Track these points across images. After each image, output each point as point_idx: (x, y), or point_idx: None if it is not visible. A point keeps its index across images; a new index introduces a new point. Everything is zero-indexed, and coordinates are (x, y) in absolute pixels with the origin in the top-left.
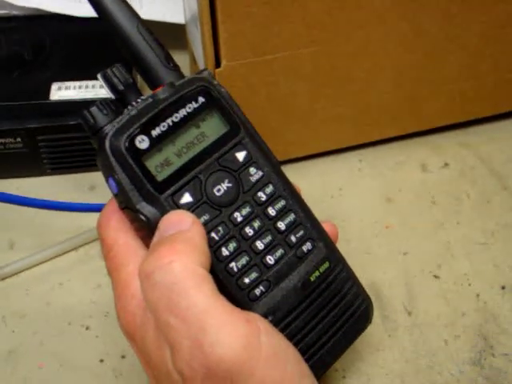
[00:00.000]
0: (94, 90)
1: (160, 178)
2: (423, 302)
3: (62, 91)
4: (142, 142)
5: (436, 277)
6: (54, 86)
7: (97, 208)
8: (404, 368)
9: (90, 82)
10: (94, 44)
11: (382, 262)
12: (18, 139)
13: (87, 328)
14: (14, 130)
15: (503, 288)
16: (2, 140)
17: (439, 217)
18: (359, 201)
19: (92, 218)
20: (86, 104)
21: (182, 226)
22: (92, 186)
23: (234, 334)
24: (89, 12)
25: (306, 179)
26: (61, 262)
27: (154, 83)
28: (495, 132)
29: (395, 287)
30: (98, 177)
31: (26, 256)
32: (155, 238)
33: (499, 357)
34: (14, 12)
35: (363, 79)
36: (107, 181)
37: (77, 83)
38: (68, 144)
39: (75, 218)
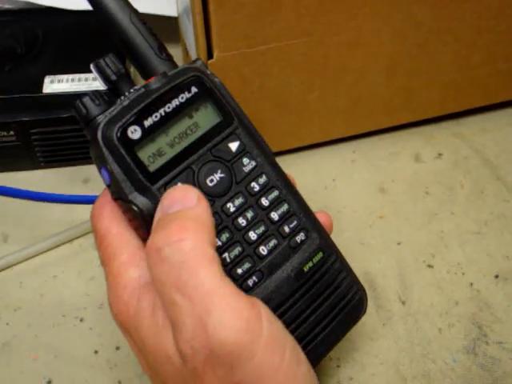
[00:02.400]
0: (87, 82)
1: (152, 168)
2: (417, 291)
3: (55, 84)
4: (135, 133)
5: (430, 266)
6: (47, 79)
7: (90, 200)
8: (398, 357)
9: (83, 75)
10: (87, 37)
11: (376, 251)
12: (11, 132)
13: (81, 320)
14: (7, 124)
15: (496, 277)
16: None
17: (433, 207)
18: (353, 191)
19: (86, 211)
20: (79, 97)
21: (188, 203)
22: (86, 179)
23: (237, 317)
24: (81, 5)
25: (300, 170)
26: (55, 255)
27: (146, 73)
28: (488, 122)
29: (389, 277)
30: (91, 170)
31: (20, 249)
32: (159, 213)
33: (493, 345)
34: (6, 5)
35: (356, 70)
36: (100, 171)
37: (69, 76)
38: (61, 137)
39: (69, 211)
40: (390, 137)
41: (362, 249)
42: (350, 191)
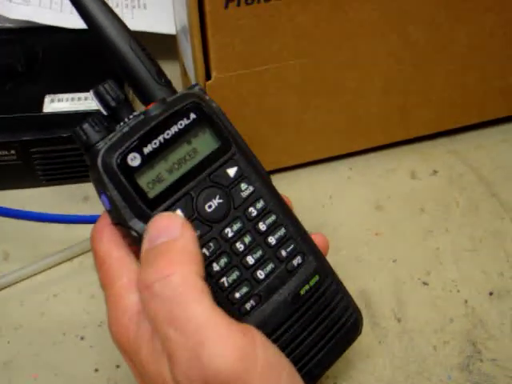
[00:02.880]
0: (87, 101)
1: (152, 194)
2: (412, 308)
3: (55, 103)
4: (134, 160)
5: (425, 283)
6: (47, 99)
7: (90, 219)
8: (394, 374)
9: (83, 94)
10: (87, 56)
11: (372, 269)
12: (12, 151)
13: (82, 338)
14: (8, 143)
15: (491, 294)
16: None
17: (428, 224)
18: (349, 209)
19: (86, 229)
20: (80, 116)
21: (173, 232)
22: (85, 196)
23: (231, 346)
24: (81, 24)
25: (296, 188)
26: (55, 273)
27: (145, 99)
28: (483, 139)
29: (385, 294)
30: (91, 188)
31: (21, 267)
32: (146, 244)
33: (487, 362)
34: (7, 24)
35: (352, 90)
36: (100, 196)
37: (70, 95)
38: (61, 156)
39: (69, 229)
40: (385, 154)
41: (358, 266)
42: (347, 208)
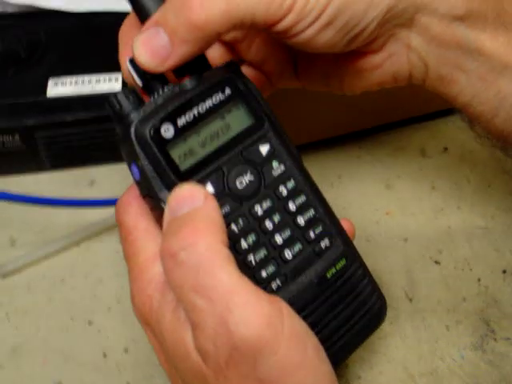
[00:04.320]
0: (91, 84)
1: (183, 167)
2: (424, 288)
3: (59, 87)
4: (168, 131)
5: (437, 262)
6: (51, 82)
7: (96, 203)
8: (406, 354)
9: (87, 77)
10: (89, 39)
11: (383, 248)
12: (17, 137)
13: (90, 323)
14: (12, 128)
15: (504, 272)
16: (1, 138)
17: (439, 202)
18: (359, 188)
19: (93, 213)
20: (84, 99)
21: (196, 202)
22: (91, 181)
23: (258, 313)
24: (83, 7)
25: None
26: (62, 258)
27: (180, 72)
28: None
29: (396, 274)
30: (97, 172)
31: (28, 253)
32: (168, 215)
33: (501, 341)
34: (9, 10)
35: None
36: (130, 167)
37: (73, 78)
38: (66, 140)
39: (76, 214)
40: (395, 132)
41: (369, 246)
42: (356, 188)
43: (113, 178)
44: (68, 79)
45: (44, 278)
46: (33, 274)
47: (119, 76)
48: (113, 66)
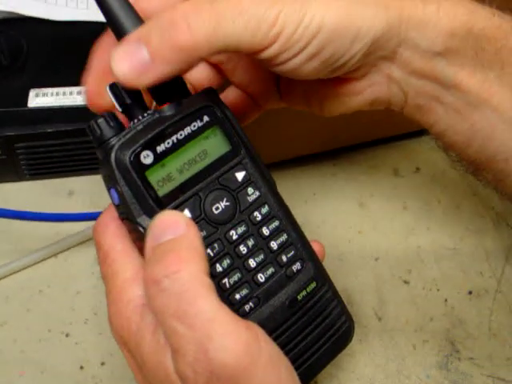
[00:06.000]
0: (72, 96)
1: (161, 193)
2: (393, 307)
3: (40, 98)
4: (147, 158)
5: (406, 282)
6: (32, 93)
7: (74, 217)
8: (374, 372)
9: (68, 89)
10: (72, 49)
11: (354, 267)
12: None
13: (67, 335)
14: None
15: (470, 293)
16: None
17: (410, 222)
18: (333, 206)
19: (71, 225)
20: (64, 111)
21: (179, 230)
22: (70, 191)
23: (237, 340)
24: (66, 16)
25: (281, 184)
26: (40, 269)
27: (159, 99)
28: None
29: (366, 293)
30: (76, 182)
31: (6, 263)
32: (150, 241)
33: (465, 361)
34: None
35: None
36: (109, 191)
37: (54, 90)
38: (46, 151)
39: (54, 225)
40: (369, 151)
41: (341, 264)
42: (330, 205)
43: (91, 189)
44: (49, 90)
45: (22, 289)
46: (11, 284)
47: None
48: None
